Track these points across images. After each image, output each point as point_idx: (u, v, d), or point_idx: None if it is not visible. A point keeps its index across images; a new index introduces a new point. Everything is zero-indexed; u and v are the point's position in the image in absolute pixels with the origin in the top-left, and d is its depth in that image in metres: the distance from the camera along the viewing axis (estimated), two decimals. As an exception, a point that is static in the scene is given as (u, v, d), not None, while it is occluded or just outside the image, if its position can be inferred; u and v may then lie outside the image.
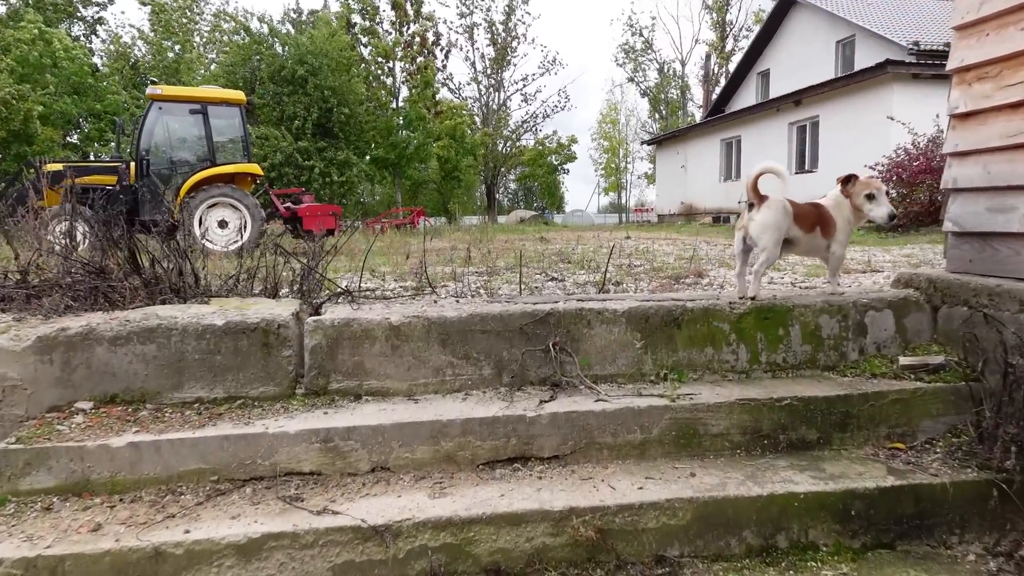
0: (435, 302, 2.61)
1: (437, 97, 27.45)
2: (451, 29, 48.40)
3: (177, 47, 36.59)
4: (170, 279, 3.03)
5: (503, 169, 53.43)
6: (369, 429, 2.23)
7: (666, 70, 49.76)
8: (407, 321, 2.28)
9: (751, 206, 2.60)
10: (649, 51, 49.21)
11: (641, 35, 49.04)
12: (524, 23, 48.75)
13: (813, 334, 2.43)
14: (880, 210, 2.52)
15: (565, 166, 54.40)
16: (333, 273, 5.68)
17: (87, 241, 4.23)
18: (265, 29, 23.59)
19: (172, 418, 2.42)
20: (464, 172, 45.93)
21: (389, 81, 26.72)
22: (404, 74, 25.23)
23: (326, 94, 22.46)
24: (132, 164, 9.85)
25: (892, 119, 15.15)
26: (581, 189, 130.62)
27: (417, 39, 24.95)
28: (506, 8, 48.00)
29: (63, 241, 3.75)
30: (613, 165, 56.85)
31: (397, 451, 2.20)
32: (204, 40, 36.66)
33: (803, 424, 2.29)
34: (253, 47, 22.77)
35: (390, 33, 26.38)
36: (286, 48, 22.57)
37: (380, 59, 23.67)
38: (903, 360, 2.35)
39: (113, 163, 10.02)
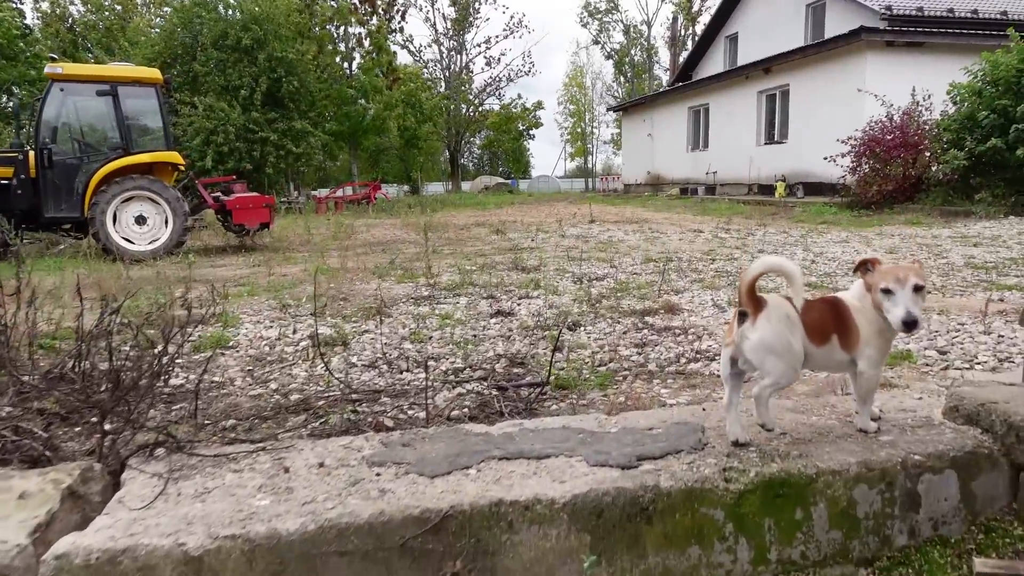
0: (286, 470, 1.76)
1: (394, 63, 26.02)
2: (409, -12, 46.42)
3: (118, 6, 34.30)
4: None
5: (467, 134, 51.98)
6: None
7: (632, 32, 48.52)
8: (214, 547, 1.42)
9: (742, 315, 1.76)
10: (614, 11, 47.85)
11: (606, -6, 47.60)
12: (485, -18, 46.81)
13: (845, 513, 1.66)
14: (895, 312, 1.70)
15: (531, 132, 53.15)
16: (241, 299, 4.80)
17: None
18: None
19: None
20: (424, 138, 44.49)
21: (343, 47, 25.15)
22: (355, 40, 23.77)
23: (273, 64, 21.03)
24: (32, 153, 8.69)
25: (862, 91, 14.47)
26: (549, 152, 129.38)
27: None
28: (467, -34, 46.10)
29: None
30: (579, 130, 55.73)
31: None
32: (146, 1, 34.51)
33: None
34: (194, 9, 21.14)
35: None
36: (231, 12, 20.98)
37: (329, 25, 22.19)
38: (979, 567, 1.59)
39: (8, 153, 8.84)
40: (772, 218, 13.07)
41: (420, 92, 43.13)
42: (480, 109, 50.65)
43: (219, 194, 10.11)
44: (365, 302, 4.77)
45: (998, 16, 17.67)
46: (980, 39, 14.79)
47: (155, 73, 9.51)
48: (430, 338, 3.68)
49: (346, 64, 24.70)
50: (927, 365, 2.97)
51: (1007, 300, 4.35)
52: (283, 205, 19.02)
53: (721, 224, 11.74)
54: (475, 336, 3.69)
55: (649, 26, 47.92)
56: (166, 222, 8.99)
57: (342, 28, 23.73)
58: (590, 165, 59.89)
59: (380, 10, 24.73)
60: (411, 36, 48.17)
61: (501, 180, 47.18)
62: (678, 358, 3.18)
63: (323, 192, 38.01)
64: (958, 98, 11.93)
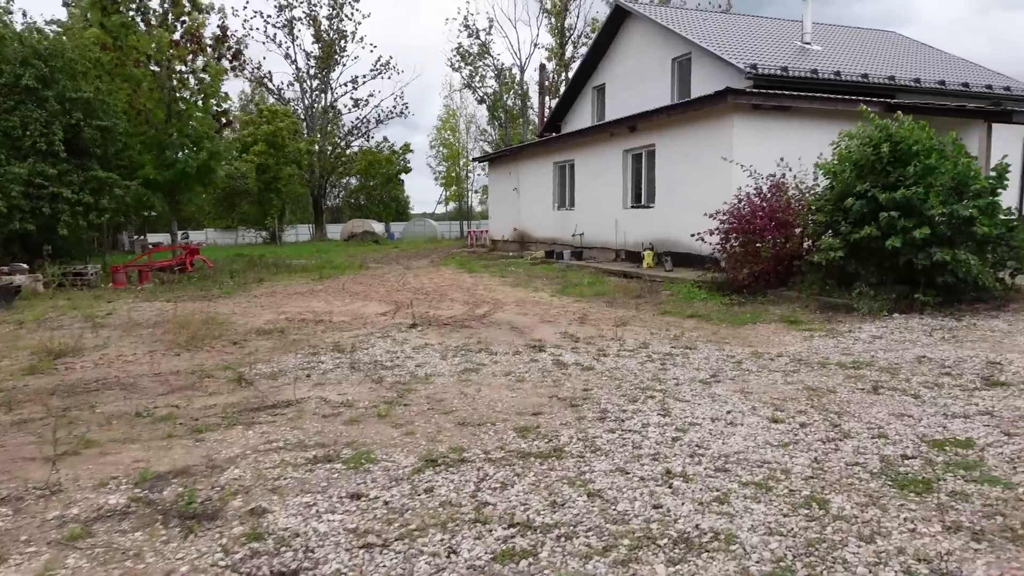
0: None
1: (226, 106, 22.95)
2: (268, 23, 43.36)
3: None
4: None
5: (332, 177, 48.93)
6: None
7: (505, 76, 47.46)
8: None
9: None
10: (486, 55, 46.62)
11: (478, 37, 46.38)
12: (352, 19, 44.50)
13: None
14: None
15: (400, 176, 50.72)
16: None
17: None
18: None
19: None
20: (286, 182, 41.19)
21: (167, 86, 21.81)
22: (176, 79, 20.59)
23: (67, 105, 17.58)
24: None
25: (729, 160, 13.13)
26: (434, 189, 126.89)
27: (187, 35, 20.37)
28: (331, 2, 43.70)
29: None
30: (453, 174, 53.84)
31: None
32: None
33: None
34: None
35: (158, 26, 21.62)
36: (7, 45, 17.40)
37: (143, 59, 18.98)
38: None
39: None
40: (637, 304, 11.27)
41: (284, 132, 40.01)
42: (348, 151, 47.90)
43: None
44: None
45: (859, 79, 17.16)
46: (846, 104, 13.89)
47: None
48: None
49: (170, 106, 21.36)
50: None
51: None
52: (68, 278, 15.52)
53: (575, 320, 9.75)
54: None
55: (522, 71, 46.98)
56: None
57: (157, 64, 20.46)
58: (465, 208, 58.05)
59: (206, 47, 21.65)
60: (270, 73, 44.81)
61: (374, 224, 44.28)
62: None
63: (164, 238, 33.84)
64: (827, 176, 10.65)
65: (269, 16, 43.35)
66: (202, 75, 21.23)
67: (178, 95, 20.99)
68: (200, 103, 21.08)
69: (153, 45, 19.36)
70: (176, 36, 21.23)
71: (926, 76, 18.54)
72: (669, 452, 4.35)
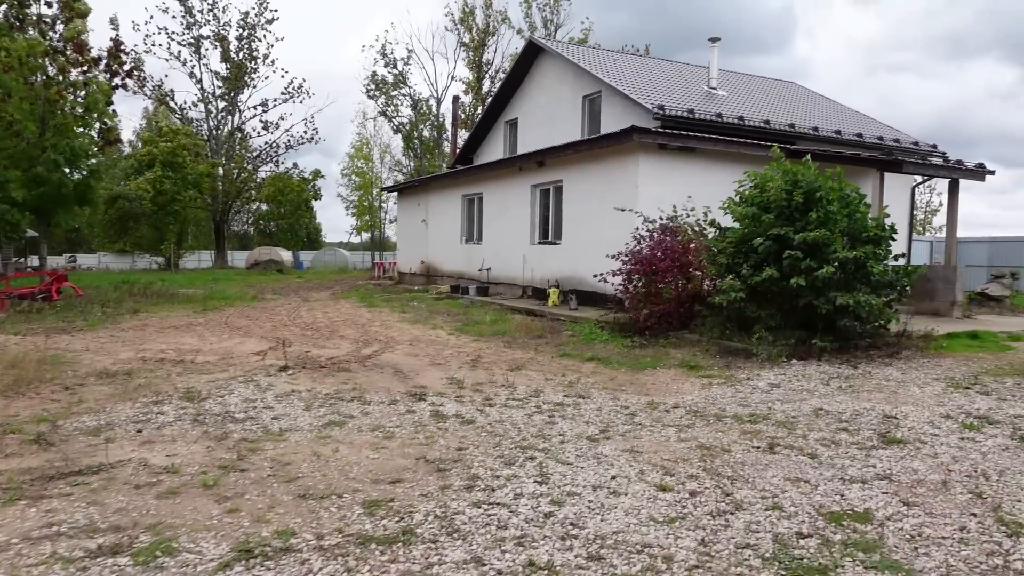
0: None
1: (111, 123, 21.28)
2: (172, 39, 41.44)
3: None
4: None
5: (237, 202, 46.87)
6: None
7: (421, 107, 46.99)
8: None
9: None
10: (403, 85, 46.07)
11: (395, 67, 45.82)
12: (265, 41, 43.12)
13: None
14: None
15: (309, 203, 49.17)
16: None
17: None
18: None
19: None
20: (184, 205, 39.06)
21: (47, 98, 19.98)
22: (55, 90, 18.90)
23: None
24: None
25: (635, 201, 12.96)
26: (348, 218, 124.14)
27: (68, 43, 18.77)
28: (241, 23, 42.26)
29: None
30: (366, 203, 52.62)
31: None
32: None
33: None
34: None
35: (34, 30, 19.91)
36: None
37: (15, 64, 17.23)
38: None
39: None
40: (536, 345, 10.74)
41: (184, 153, 38.01)
42: (255, 176, 46.06)
43: None
44: None
45: (761, 124, 17.51)
46: (749, 147, 14.01)
47: None
48: None
49: (45, 119, 19.60)
50: None
51: None
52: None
53: (467, 362, 9.09)
54: None
55: (439, 103, 46.63)
56: None
57: (31, 74, 18.74)
58: (380, 235, 56.82)
59: (92, 60, 20.07)
60: (172, 91, 42.72)
61: (282, 252, 42.45)
62: None
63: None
64: (736, 218, 10.51)
65: (174, 33, 41.42)
66: (87, 89, 19.62)
67: (57, 109, 19.28)
68: (81, 117, 19.43)
69: (26, 50, 17.65)
70: (55, 43, 19.51)
71: (824, 125, 19.16)
72: (538, 534, 3.71)
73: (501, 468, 4.78)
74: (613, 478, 4.61)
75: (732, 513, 4.04)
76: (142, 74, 39.60)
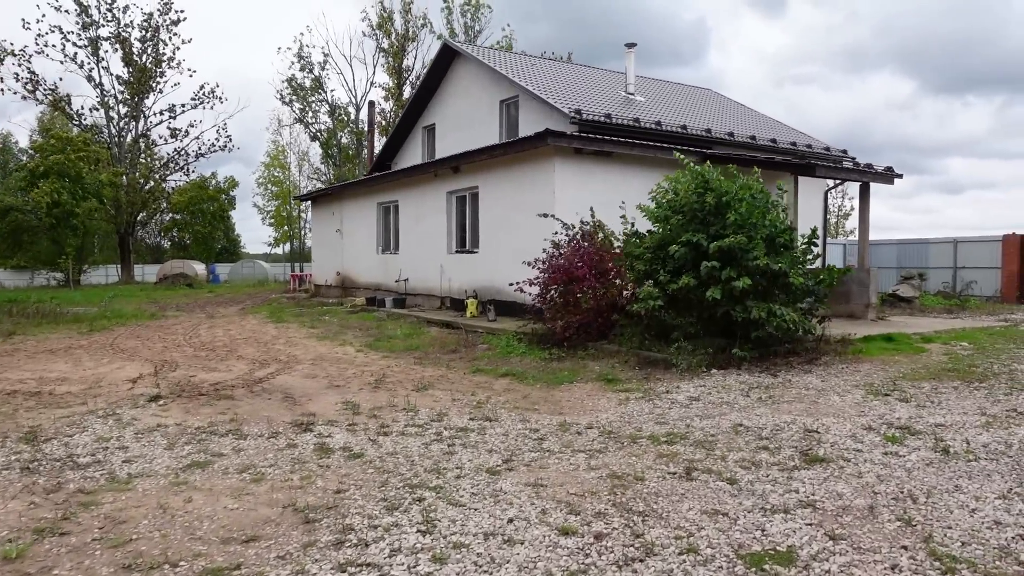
0: None
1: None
2: (68, 40, 38.83)
3: None
4: None
5: (144, 214, 44.34)
6: None
7: (340, 114, 45.66)
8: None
9: None
10: (320, 90, 44.65)
11: (312, 72, 44.37)
12: (171, 44, 40.94)
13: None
14: None
15: (224, 213, 47.03)
16: None
17: None
18: None
19: None
20: (84, 217, 36.61)
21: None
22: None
23: None
24: None
25: (551, 207, 12.52)
26: (268, 229, 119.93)
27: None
28: (144, 24, 40.06)
29: None
30: (284, 213, 50.73)
31: None
32: None
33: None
34: None
35: None
36: None
37: None
38: None
39: None
40: (449, 361, 10.09)
41: (78, 163, 35.62)
42: (163, 185, 43.70)
43: None
44: None
45: (678, 129, 17.41)
46: (666, 152, 13.79)
47: None
48: None
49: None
50: None
51: None
52: None
53: (369, 383, 8.36)
54: None
55: (358, 110, 45.37)
56: None
57: None
58: (299, 246, 54.86)
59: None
60: (68, 96, 40.01)
61: (195, 265, 40.33)
62: None
63: None
64: (654, 222, 10.17)
65: (70, 32, 38.81)
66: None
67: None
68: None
69: None
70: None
71: (739, 131, 19.27)
72: (412, 603, 3.07)
73: (382, 515, 4.11)
74: (510, 521, 4.01)
75: (642, 560, 3.50)
76: (36, 77, 37.06)
